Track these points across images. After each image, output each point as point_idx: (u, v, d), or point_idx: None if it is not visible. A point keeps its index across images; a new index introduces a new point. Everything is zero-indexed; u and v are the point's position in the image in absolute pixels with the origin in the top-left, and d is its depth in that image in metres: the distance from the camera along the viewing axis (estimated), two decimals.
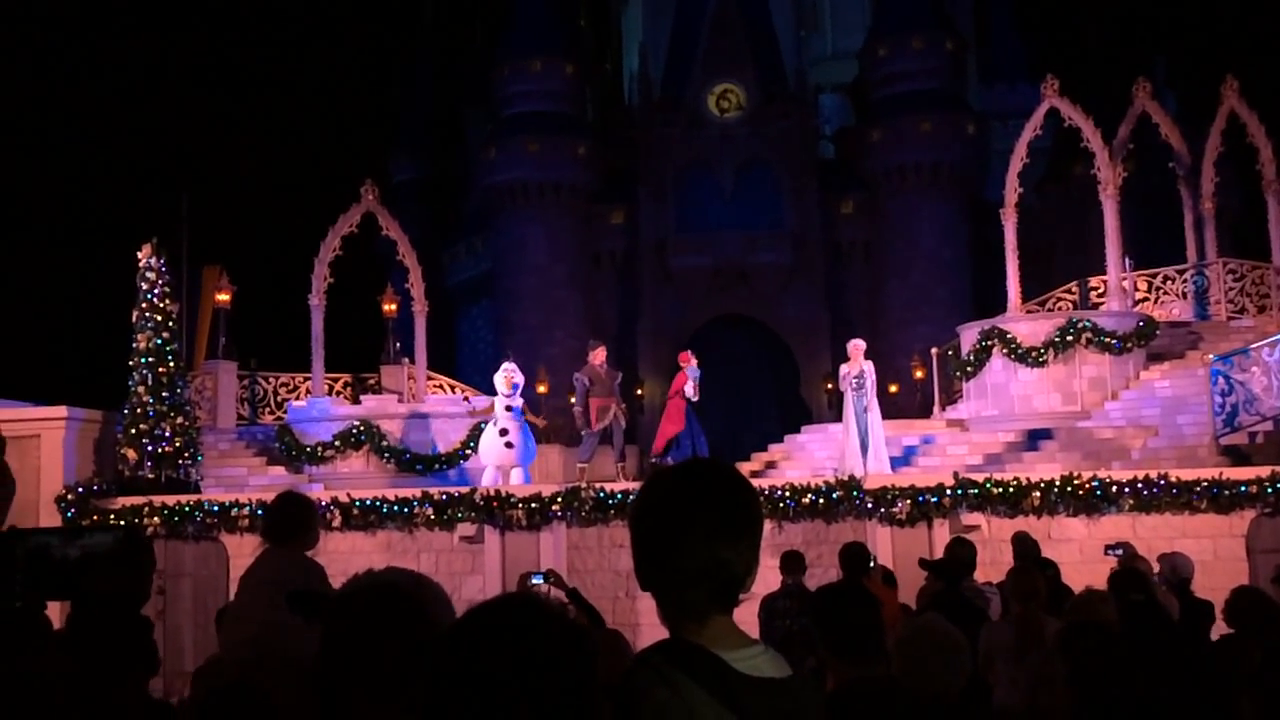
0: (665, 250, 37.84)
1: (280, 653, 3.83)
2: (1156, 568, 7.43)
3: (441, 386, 20.36)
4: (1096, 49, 37.78)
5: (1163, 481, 11.99)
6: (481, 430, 15.48)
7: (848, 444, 14.08)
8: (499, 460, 14.34)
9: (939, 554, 8.87)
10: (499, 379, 14.47)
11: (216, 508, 13.15)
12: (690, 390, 14.70)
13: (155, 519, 13.09)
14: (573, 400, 15.69)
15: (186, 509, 13.16)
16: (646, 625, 11.46)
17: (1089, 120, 18.41)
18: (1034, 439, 15.66)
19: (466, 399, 18.40)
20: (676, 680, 1.65)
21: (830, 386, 35.97)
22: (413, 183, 45.06)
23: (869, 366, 14.17)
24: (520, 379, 14.54)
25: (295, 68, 65.80)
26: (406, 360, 19.94)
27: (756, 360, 37.45)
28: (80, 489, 13.69)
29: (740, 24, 39.19)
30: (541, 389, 31.93)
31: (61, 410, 14.24)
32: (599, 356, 14.91)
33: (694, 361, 15.00)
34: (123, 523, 12.40)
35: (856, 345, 14.45)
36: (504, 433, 14.23)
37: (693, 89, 38.79)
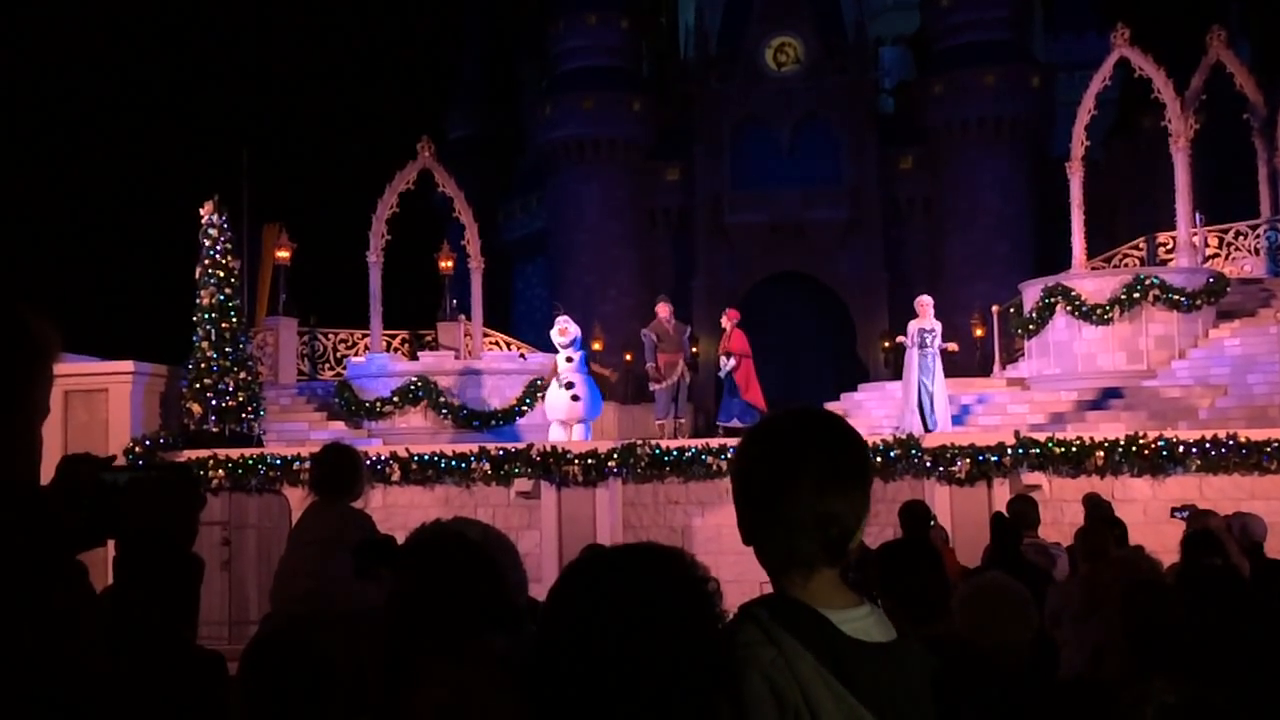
0: (721, 207, 37.54)
1: (332, 607, 3.84)
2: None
3: (497, 343, 20.47)
4: None
5: (1231, 442, 11.72)
6: (537, 386, 15.54)
7: (908, 402, 13.93)
8: (566, 415, 14.28)
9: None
10: (554, 333, 14.48)
11: (279, 461, 13.38)
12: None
13: (220, 472, 13.36)
14: (626, 358, 15.70)
15: (250, 462, 13.41)
16: None
17: (1161, 71, 17.85)
18: (1102, 398, 15.39)
19: (522, 355, 18.48)
20: (783, 641, 1.59)
21: (888, 345, 35.62)
22: (468, 139, 45.09)
23: (937, 324, 14.04)
24: (576, 330, 14.42)
25: (352, 25, 66.00)
26: (463, 317, 20.07)
27: (812, 318, 37.14)
28: (147, 442, 14.01)
29: None
30: (596, 345, 31.98)
31: (128, 365, 14.54)
32: (664, 311, 14.83)
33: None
34: (173, 463, 12.66)
35: (924, 301, 14.27)
36: (569, 386, 14.20)
37: (749, 43, 38.22)
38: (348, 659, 2.24)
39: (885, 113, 39.91)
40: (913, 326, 14.11)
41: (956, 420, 14.84)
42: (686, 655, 1.35)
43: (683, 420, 14.95)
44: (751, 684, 1.55)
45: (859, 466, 1.73)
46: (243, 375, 15.16)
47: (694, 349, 14.76)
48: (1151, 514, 11.17)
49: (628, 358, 30.50)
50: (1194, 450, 11.77)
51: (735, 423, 14.65)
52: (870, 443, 12.48)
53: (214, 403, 14.86)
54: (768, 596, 1.70)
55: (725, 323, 15.03)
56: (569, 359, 14.26)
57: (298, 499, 13.13)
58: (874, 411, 17.21)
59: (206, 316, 15.16)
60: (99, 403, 14.16)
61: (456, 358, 18.74)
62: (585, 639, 1.37)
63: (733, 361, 14.72)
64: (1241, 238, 18.73)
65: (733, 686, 1.54)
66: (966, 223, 36.88)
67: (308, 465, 13.05)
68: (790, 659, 1.58)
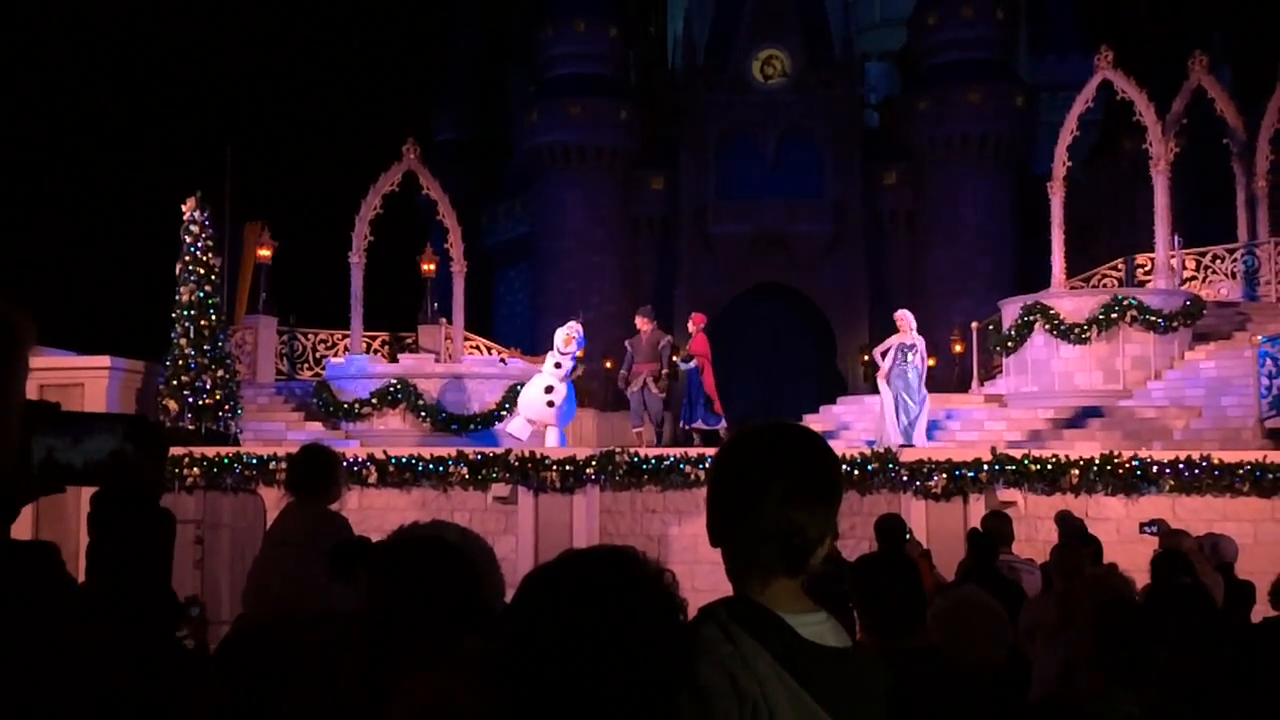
0: (705, 217, 37.62)
1: (307, 609, 3.81)
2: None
3: (478, 347, 20.44)
4: (1151, 21, 36.90)
5: (1205, 463, 11.82)
6: (517, 391, 15.54)
7: (886, 415, 13.98)
8: (537, 415, 14.42)
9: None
10: (560, 334, 14.60)
11: (255, 460, 13.30)
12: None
13: (195, 470, 13.27)
14: (607, 364, 15.85)
15: (225, 461, 13.33)
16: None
17: (1143, 93, 18.03)
18: (1079, 417, 15.50)
19: (503, 360, 18.47)
20: (740, 640, 1.64)
21: (868, 359, 35.76)
22: (454, 143, 45.04)
23: (919, 339, 14.10)
24: (580, 341, 14.67)
25: (340, 24, 65.86)
26: (444, 320, 20.03)
27: (793, 330, 37.25)
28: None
29: None
30: (578, 353, 31.97)
31: (105, 360, 14.44)
32: (642, 323, 15.09)
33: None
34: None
35: (903, 316, 14.34)
36: (549, 390, 14.32)
37: (737, 54, 38.36)
38: (321, 661, 2.23)
39: (870, 128, 40.12)
40: (894, 341, 14.15)
41: (931, 434, 14.91)
42: (648, 648, 1.38)
43: (639, 430, 15.07)
44: (710, 675, 1.59)
45: (827, 483, 1.79)
46: (220, 373, 15.08)
47: (674, 358, 14.90)
48: (1124, 533, 11.24)
49: (608, 364, 30.48)
50: (1167, 470, 11.87)
51: (700, 424, 14.90)
52: (847, 456, 12.53)
53: (191, 400, 14.77)
54: (727, 599, 1.74)
55: (691, 327, 15.33)
56: (557, 364, 14.36)
57: (273, 499, 13.04)
58: (853, 425, 17.27)
59: (185, 313, 15.07)
60: (74, 397, 14.03)
61: (437, 361, 18.70)
62: (549, 635, 1.39)
63: (693, 363, 14.98)
64: (1219, 261, 18.92)
65: (692, 678, 1.58)
66: (948, 239, 37.10)
67: (284, 465, 13.04)
68: (747, 656, 1.63)
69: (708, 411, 14.86)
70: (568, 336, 14.38)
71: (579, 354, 14.75)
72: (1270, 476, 11.70)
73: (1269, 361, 13.74)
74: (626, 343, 15.41)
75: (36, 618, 1.41)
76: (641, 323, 15.10)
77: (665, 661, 1.39)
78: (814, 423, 17.91)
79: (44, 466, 1.80)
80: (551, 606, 1.41)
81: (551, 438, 14.26)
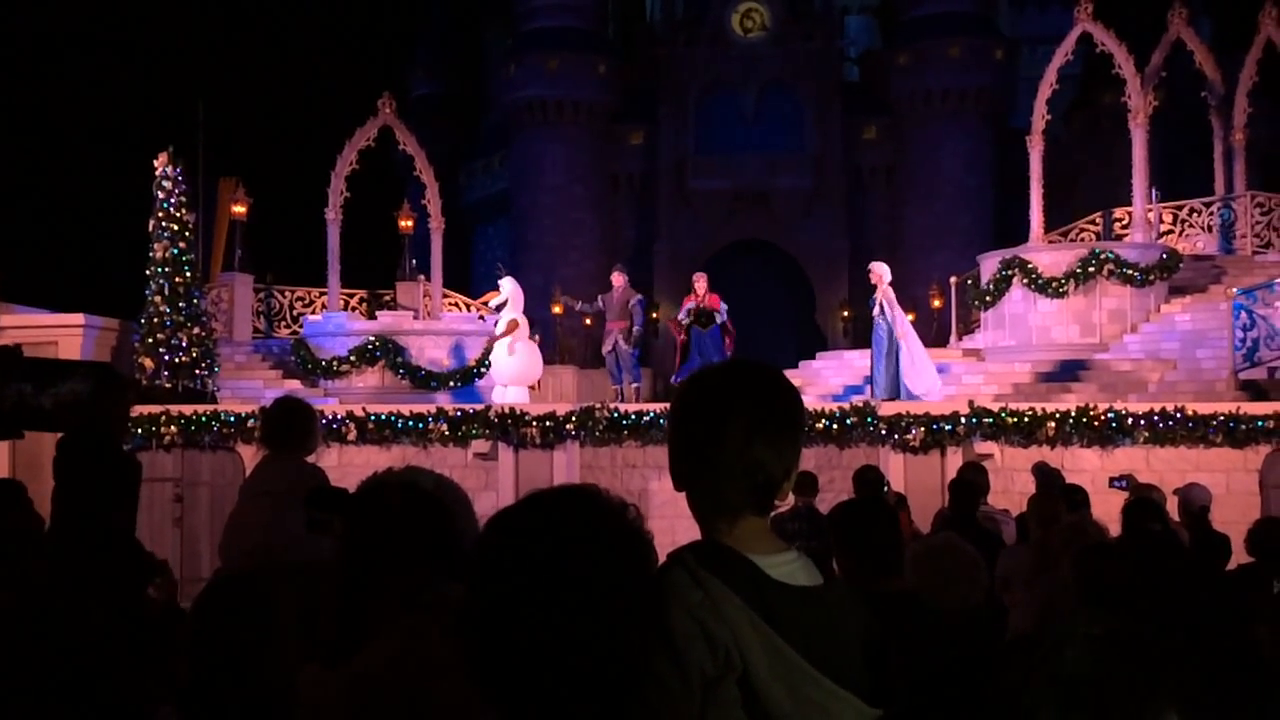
0: (684, 172, 37.44)
1: (284, 561, 3.80)
2: (1170, 501, 7.42)
3: (457, 304, 20.34)
4: None
5: (1179, 415, 11.94)
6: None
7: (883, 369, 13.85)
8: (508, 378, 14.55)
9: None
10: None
11: (233, 418, 13.24)
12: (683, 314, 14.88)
13: (172, 428, 13.20)
14: (586, 322, 15.82)
15: (203, 419, 13.26)
16: (656, 546, 11.56)
17: (1122, 46, 17.97)
18: (1057, 370, 15.60)
19: (481, 317, 18.41)
20: (709, 584, 1.62)
21: (846, 314, 35.81)
22: (431, 97, 44.52)
23: (885, 292, 13.94)
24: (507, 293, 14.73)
25: None
26: (422, 277, 19.91)
27: (773, 285, 37.24)
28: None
29: None
30: (556, 309, 31.89)
31: (79, 318, 14.29)
32: (617, 279, 15.05)
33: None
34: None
35: (872, 269, 14.22)
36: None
37: (716, 8, 38.00)
38: (299, 610, 2.22)
39: (850, 81, 39.91)
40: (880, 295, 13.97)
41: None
42: (614, 583, 1.37)
43: (617, 387, 15.04)
44: (680, 623, 1.58)
45: (789, 417, 1.76)
46: (196, 331, 14.95)
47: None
48: (1099, 484, 11.34)
49: (587, 322, 30.44)
50: (1142, 422, 11.98)
51: None
52: (826, 410, 12.59)
53: (167, 358, 14.65)
54: (695, 543, 1.72)
55: (701, 286, 14.98)
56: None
57: (251, 456, 12.99)
58: (831, 379, 17.34)
59: (160, 270, 14.91)
60: (48, 355, 13.90)
61: (415, 318, 18.60)
62: (513, 574, 1.38)
63: (719, 319, 14.74)
64: (1195, 215, 19.00)
65: (662, 626, 1.57)
66: (928, 194, 37.09)
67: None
68: (717, 601, 1.61)
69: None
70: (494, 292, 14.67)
71: (553, 309, 14.91)
72: (1243, 428, 11.83)
73: (1243, 314, 13.85)
74: (599, 296, 15.46)
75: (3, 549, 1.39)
76: (616, 278, 15.06)
77: (633, 597, 1.39)
78: (793, 377, 17.95)
79: (14, 410, 1.78)
80: (513, 544, 1.39)
81: (513, 394, 14.34)
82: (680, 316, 14.94)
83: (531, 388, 19.02)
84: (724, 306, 14.84)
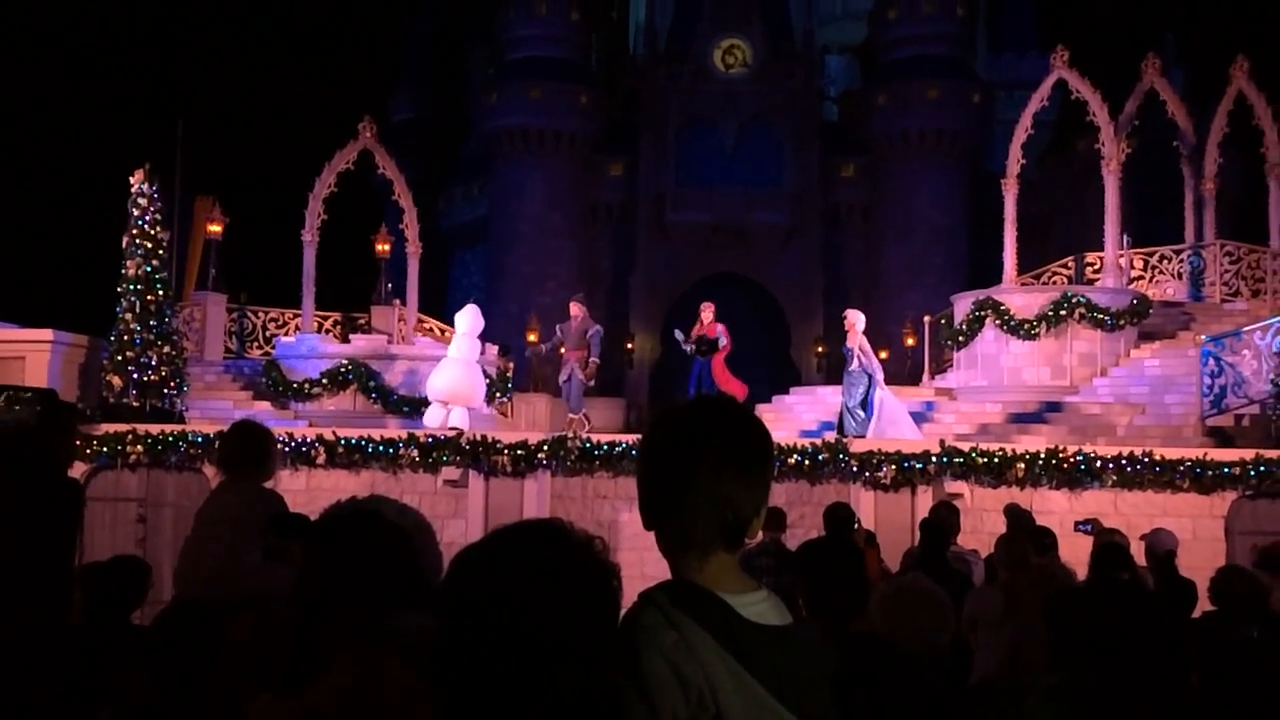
0: (663, 204, 37.61)
1: (239, 591, 3.71)
2: (1136, 546, 7.45)
3: (432, 329, 20.27)
4: (1107, 22, 37.42)
5: (1147, 459, 12.02)
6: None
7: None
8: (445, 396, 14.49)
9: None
10: (473, 319, 14.60)
11: (200, 439, 13.09)
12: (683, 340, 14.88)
13: (138, 447, 13.03)
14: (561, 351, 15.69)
15: (170, 439, 13.10)
16: (625, 579, 11.49)
17: (1097, 94, 18.26)
18: (1028, 413, 15.70)
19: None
20: (682, 624, 1.61)
21: (821, 349, 35.96)
22: (412, 122, 44.57)
23: (859, 341, 14.00)
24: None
25: None
26: (398, 302, 19.84)
27: (749, 320, 37.32)
28: None
29: None
30: (532, 337, 31.85)
31: (48, 334, 14.14)
32: (575, 309, 14.99)
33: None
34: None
35: (846, 317, 14.31)
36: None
37: (699, 42, 38.34)
38: (253, 639, 2.18)
39: (829, 120, 40.31)
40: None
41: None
42: (580, 616, 1.36)
43: (572, 417, 14.86)
44: (653, 665, 1.57)
45: (759, 455, 1.76)
46: (167, 350, 14.81)
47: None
48: (1068, 527, 11.40)
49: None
50: (1110, 466, 12.06)
51: None
52: (799, 445, 12.60)
53: (136, 376, 14.49)
54: (666, 582, 1.71)
55: (707, 315, 15.10)
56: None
57: (216, 478, 12.85)
58: (804, 415, 17.38)
59: (132, 288, 14.78)
60: (15, 371, 13.72)
61: (390, 342, 18.52)
62: (481, 610, 1.37)
63: (722, 344, 14.84)
64: (1166, 261, 19.25)
65: (635, 669, 1.56)
66: (903, 233, 37.42)
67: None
68: (690, 641, 1.60)
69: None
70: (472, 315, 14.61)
71: (529, 336, 14.88)
72: (1210, 474, 11.93)
73: (1211, 361, 14.01)
74: (557, 327, 15.35)
75: None
76: (575, 308, 15.02)
77: (600, 633, 1.38)
78: (767, 412, 17.99)
79: None
80: (482, 581, 1.38)
81: (456, 416, 14.20)
82: (684, 345, 14.99)
83: (503, 414, 18.95)
84: (721, 329, 14.92)
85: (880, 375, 13.95)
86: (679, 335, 15.14)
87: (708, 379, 14.76)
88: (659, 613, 1.63)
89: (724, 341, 14.88)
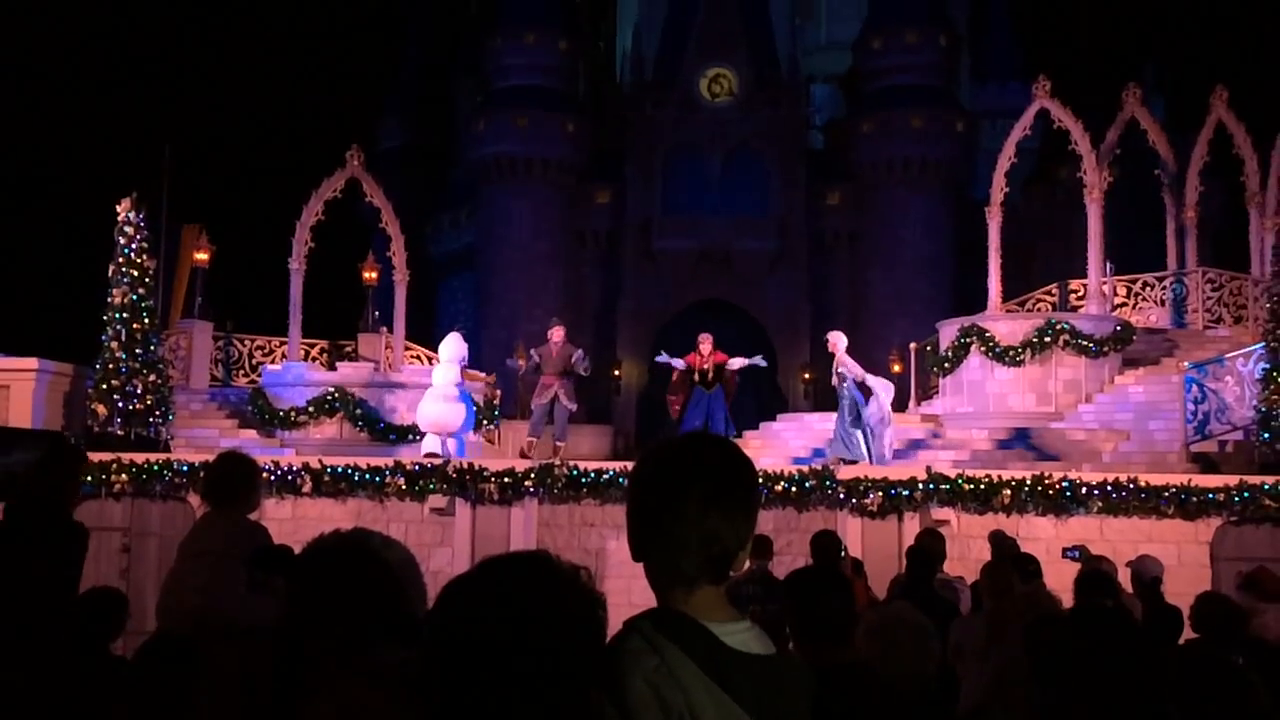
0: (650, 231, 37.75)
1: (222, 623, 3.68)
2: (1123, 572, 7.47)
3: (419, 357, 20.25)
4: (1089, 52, 37.89)
5: (1132, 485, 12.08)
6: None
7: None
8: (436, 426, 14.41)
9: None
10: (458, 348, 14.53)
11: (186, 468, 13.03)
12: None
13: (123, 476, 12.96)
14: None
15: (155, 468, 13.04)
16: (612, 606, 11.46)
17: (1078, 123, 18.46)
18: (1012, 438, 15.75)
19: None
20: (666, 650, 1.65)
21: (808, 376, 36.04)
22: (399, 150, 44.68)
23: (841, 359, 14.07)
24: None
25: (286, 26, 65.10)
26: (385, 329, 19.82)
27: (735, 347, 37.33)
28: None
29: (735, 9, 39.02)
30: (522, 362, 31.82)
31: (32, 362, 14.08)
32: (556, 335, 14.93)
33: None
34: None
35: (829, 339, 14.41)
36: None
37: (685, 71, 38.62)
38: (235, 672, 2.18)
39: (815, 148, 40.59)
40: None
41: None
42: (568, 648, 1.38)
43: (533, 441, 14.78)
44: (635, 689, 1.60)
45: (743, 490, 1.80)
46: (152, 378, 14.76)
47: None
48: (1054, 553, 11.42)
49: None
50: (1096, 492, 12.11)
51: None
52: (786, 472, 12.61)
53: (121, 405, 14.43)
54: (651, 610, 1.75)
55: (706, 347, 15.14)
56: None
57: (201, 507, 12.78)
58: (792, 442, 17.40)
59: (118, 316, 14.74)
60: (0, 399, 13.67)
61: (376, 370, 18.50)
62: (468, 643, 1.38)
63: (739, 367, 14.88)
64: (1149, 288, 19.40)
65: (617, 692, 1.58)
66: (889, 260, 37.62)
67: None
68: (673, 667, 1.63)
69: (722, 429, 14.61)
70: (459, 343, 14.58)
71: (519, 361, 14.84)
72: (1194, 500, 11.99)
73: (1195, 387, 14.10)
74: (533, 350, 15.18)
75: None
76: (555, 333, 14.96)
77: (585, 660, 1.40)
78: (753, 439, 18.01)
79: None
80: (470, 612, 1.40)
81: (451, 446, 14.15)
82: (677, 365, 14.97)
83: (490, 441, 18.90)
84: (740, 363, 15.00)
85: (872, 379, 13.88)
86: (675, 361, 15.10)
87: (720, 409, 14.73)
88: (642, 639, 1.67)
89: (757, 361, 14.98)
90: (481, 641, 1.36)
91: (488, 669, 1.35)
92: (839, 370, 13.95)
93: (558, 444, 14.70)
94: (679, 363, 15.05)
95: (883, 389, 13.83)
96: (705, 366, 14.86)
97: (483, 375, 18.20)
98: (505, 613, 1.37)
